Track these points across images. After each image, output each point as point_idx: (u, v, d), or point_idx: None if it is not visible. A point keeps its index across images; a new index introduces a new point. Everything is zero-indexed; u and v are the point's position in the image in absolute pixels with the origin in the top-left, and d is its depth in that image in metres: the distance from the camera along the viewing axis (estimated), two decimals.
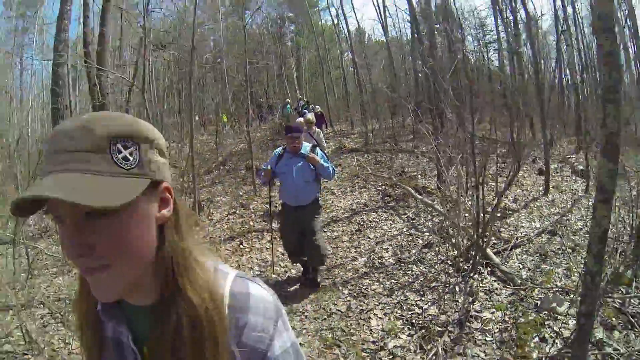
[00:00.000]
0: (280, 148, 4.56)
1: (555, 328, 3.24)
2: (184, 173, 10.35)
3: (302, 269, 4.83)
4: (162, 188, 0.71)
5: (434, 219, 5.94)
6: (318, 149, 4.43)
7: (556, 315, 3.38)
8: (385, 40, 19.53)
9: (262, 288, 0.78)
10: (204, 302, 0.70)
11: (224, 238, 6.39)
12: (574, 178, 8.16)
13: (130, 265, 0.66)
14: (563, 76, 16.11)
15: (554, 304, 3.49)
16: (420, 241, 5.39)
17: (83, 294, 0.77)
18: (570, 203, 6.41)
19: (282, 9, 28.70)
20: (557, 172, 8.61)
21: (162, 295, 0.72)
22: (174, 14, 19.17)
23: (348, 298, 4.24)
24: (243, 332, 0.73)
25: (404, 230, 5.92)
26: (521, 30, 13.31)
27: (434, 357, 3.06)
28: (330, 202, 7.72)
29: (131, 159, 0.65)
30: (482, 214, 4.31)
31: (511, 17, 13.60)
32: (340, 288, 4.48)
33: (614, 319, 3.24)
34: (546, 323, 3.30)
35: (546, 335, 3.15)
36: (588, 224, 5.03)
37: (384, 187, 7.96)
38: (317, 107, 15.97)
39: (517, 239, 5.02)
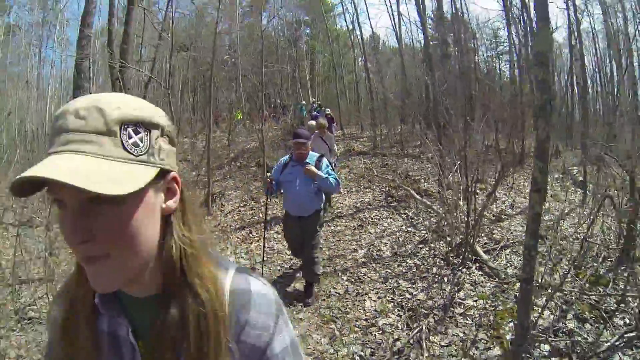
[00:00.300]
0: (287, 156, 4.44)
1: (530, 316, 3.61)
2: (197, 167, 10.87)
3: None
4: (169, 178, 0.70)
5: (432, 219, 6.31)
6: (325, 160, 4.30)
7: (533, 305, 3.75)
8: (398, 48, 19.86)
9: (263, 284, 0.78)
10: (211, 297, 0.70)
11: (235, 227, 6.86)
12: (573, 189, 8.42)
13: (132, 256, 0.64)
14: (575, 90, 16.32)
15: (532, 296, 3.86)
16: (417, 238, 5.79)
17: (80, 282, 0.72)
18: (565, 212, 6.73)
19: (298, 12, 29.11)
20: (558, 183, 8.87)
21: (165, 287, 0.71)
22: (192, 12, 19.72)
23: (346, 283, 4.67)
24: (243, 330, 0.73)
25: (403, 227, 6.33)
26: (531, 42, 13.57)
27: (418, 334, 3.47)
28: (336, 199, 8.10)
29: (141, 145, 0.63)
30: (473, 215, 4.71)
31: (522, 29, 13.95)
32: (339, 274, 4.90)
33: (587, 313, 3.60)
34: None
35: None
36: (578, 230, 5.36)
37: (387, 188, 8.36)
38: (328, 110, 16.32)
39: (507, 240, 5.37)
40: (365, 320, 3.87)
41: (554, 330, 3.40)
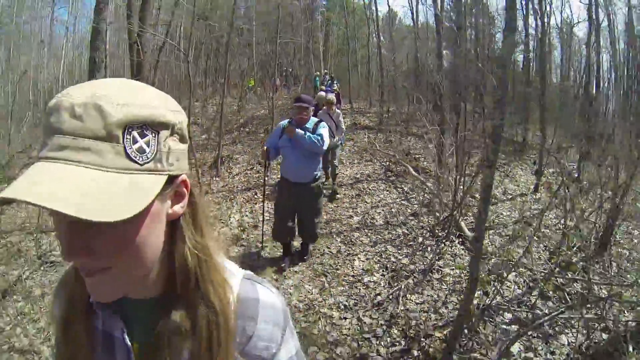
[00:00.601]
0: (286, 121, 4.30)
1: (498, 288, 4.06)
2: (207, 130, 11.28)
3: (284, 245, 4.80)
4: (178, 182, 0.64)
5: (425, 195, 6.74)
6: (323, 124, 4.24)
7: (502, 279, 4.20)
8: (413, 27, 19.79)
9: (271, 292, 0.76)
10: (223, 305, 0.68)
11: (241, 189, 7.35)
12: (572, 185, 8.69)
13: (135, 268, 0.60)
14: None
15: (502, 270, 4.31)
16: (409, 211, 6.25)
17: (78, 278, 0.67)
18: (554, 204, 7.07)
19: None
20: (554, 176, 9.19)
21: (174, 292, 0.67)
22: None
23: (339, 244, 5.18)
24: (250, 341, 0.71)
25: (398, 200, 6.79)
26: (547, 36, 13.62)
27: (397, 291, 3.96)
28: (338, 169, 8.52)
29: (147, 150, 0.56)
30: (459, 194, 5.15)
31: (534, 21, 13.97)
32: (334, 236, 5.40)
33: (552, 292, 4.05)
34: (492, 283, 4.12)
35: (489, 291, 3.98)
36: (562, 221, 5.75)
37: (388, 163, 8.78)
38: (336, 85, 16.44)
39: (493, 222, 5.81)
40: (353, 276, 4.38)
41: (518, 302, 3.86)
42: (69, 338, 0.71)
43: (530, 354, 3.22)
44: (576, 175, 8.61)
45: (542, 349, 3.25)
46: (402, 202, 6.68)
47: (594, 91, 15.08)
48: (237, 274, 0.76)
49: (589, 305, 3.79)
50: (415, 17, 18.77)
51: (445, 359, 2.86)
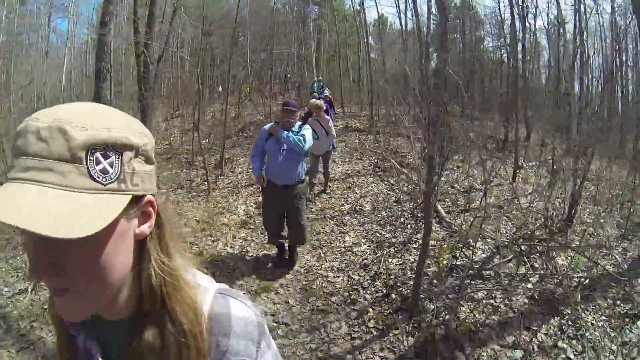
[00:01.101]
0: (273, 123, 4.48)
1: (465, 253, 4.92)
2: (207, 136, 12.06)
3: (278, 247, 5.00)
4: (144, 202, 0.65)
5: (409, 186, 7.60)
6: (306, 126, 4.47)
7: (469, 245, 5.04)
8: (402, 31, 20.50)
9: (245, 305, 0.76)
10: (192, 324, 0.68)
11: (245, 185, 8.22)
12: (545, 175, 9.47)
13: (102, 288, 0.61)
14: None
15: (470, 240, 5.17)
16: (393, 199, 7.12)
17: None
18: (528, 192, 7.88)
19: None
20: (533, 168, 9.96)
21: (142, 312, 0.69)
22: None
23: (333, 225, 6.09)
24: (224, 357, 0.71)
25: (384, 191, 7.66)
26: (525, 39, 14.37)
27: (380, 257, 4.84)
28: (331, 167, 9.32)
29: (111, 171, 0.57)
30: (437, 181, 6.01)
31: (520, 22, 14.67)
32: (328, 220, 6.30)
33: (511, 255, 4.90)
34: (461, 249, 4.98)
35: (457, 254, 4.84)
36: (532, 204, 6.60)
37: (376, 160, 9.67)
38: (327, 91, 16.94)
39: (468, 206, 6.66)
40: (344, 247, 5.30)
41: (482, 263, 4.72)
42: (58, 352, 0.76)
43: (492, 301, 4.07)
44: (551, 166, 9.39)
45: (500, 298, 4.07)
46: (388, 192, 7.56)
47: (579, 90, 15.66)
48: (210, 288, 0.76)
49: (543, 265, 4.67)
50: (404, 22, 19.57)
51: (415, 296, 3.71)
